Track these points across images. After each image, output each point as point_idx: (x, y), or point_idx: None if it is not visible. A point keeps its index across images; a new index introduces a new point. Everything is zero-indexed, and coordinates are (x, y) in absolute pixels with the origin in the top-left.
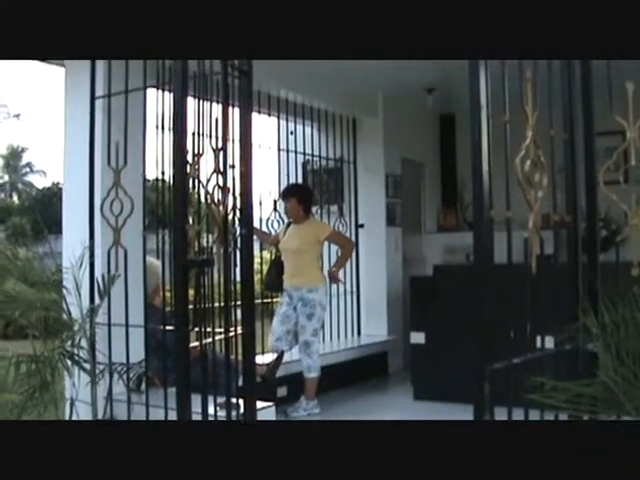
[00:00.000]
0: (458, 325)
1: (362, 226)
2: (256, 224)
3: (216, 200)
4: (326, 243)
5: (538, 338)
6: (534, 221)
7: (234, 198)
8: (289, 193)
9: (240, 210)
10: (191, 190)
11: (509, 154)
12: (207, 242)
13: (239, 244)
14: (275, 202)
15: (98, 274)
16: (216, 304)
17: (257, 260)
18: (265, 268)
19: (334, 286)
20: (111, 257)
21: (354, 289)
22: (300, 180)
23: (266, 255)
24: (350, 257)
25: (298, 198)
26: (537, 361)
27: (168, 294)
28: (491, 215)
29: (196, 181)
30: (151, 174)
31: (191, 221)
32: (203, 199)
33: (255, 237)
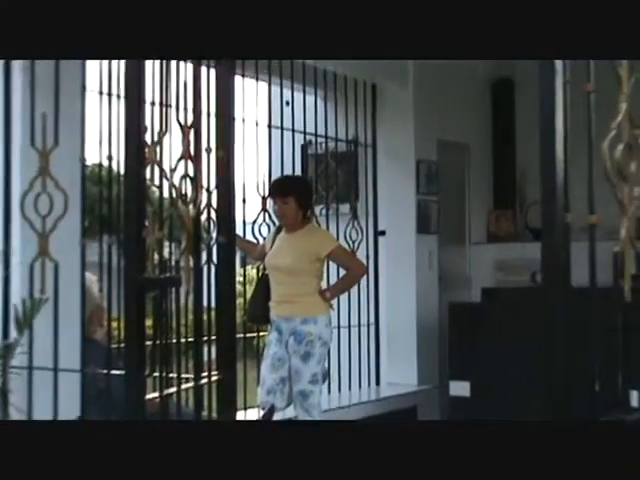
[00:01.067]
0: (517, 373)
1: (383, 233)
2: (239, 230)
3: (185, 196)
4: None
5: (634, 394)
6: (628, 228)
7: (209, 193)
8: (285, 191)
9: (217, 210)
10: (150, 182)
11: (593, 135)
12: (171, 254)
13: (215, 257)
14: (264, 199)
15: (16, 298)
16: (183, 339)
17: (239, 279)
18: (250, 289)
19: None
20: (35, 274)
21: (371, 320)
22: (298, 170)
23: (251, 272)
24: (355, 284)
25: (297, 199)
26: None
27: (115, 325)
28: (567, 219)
29: (157, 169)
30: (93, 159)
31: (149, 225)
32: (167, 194)
33: (237, 248)
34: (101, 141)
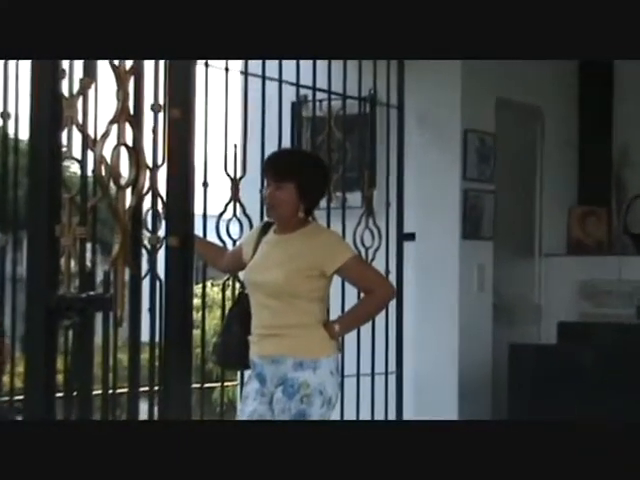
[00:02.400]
0: None
1: (411, 237)
2: (198, 228)
3: (118, 176)
4: (336, 278)
5: None
6: None
7: (154, 172)
8: (280, 170)
9: (166, 198)
10: (66, 154)
11: None
12: (97, 262)
13: (163, 267)
14: (236, 183)
15: None
16: (112, 390)
17: (197, 300)
18: (214, 317)
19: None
20: None
21: (391, 367)
22: (287, 139)
23: (213, 291)
24: (377, 314)
25: (299, 184)
26: None
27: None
28: None
29: (77, 135)
30: None
31: (65, 218)
32: (92, 173)
33: (196, 254)
34: None
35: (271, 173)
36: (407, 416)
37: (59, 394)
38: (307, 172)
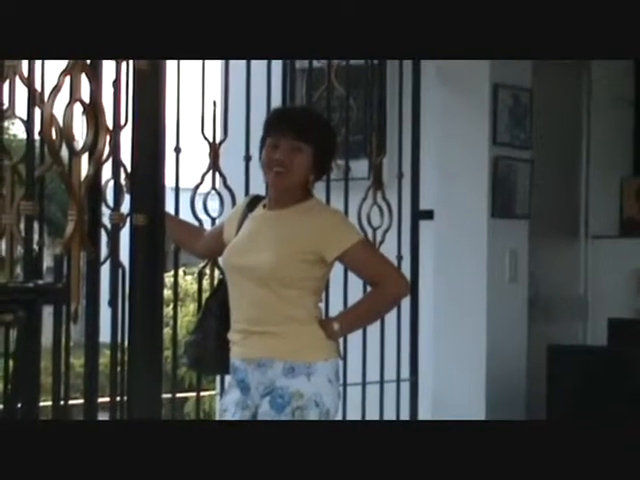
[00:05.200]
0: None
1: (429, 216)
2: (169, 204)
3: (72, 139)
4: (337, 267)
5: None
6: None
7: (115, 136)
8: (302, 130)
9: (131, 167)
10: (8, 114)
11: None
12: (43, 244)
13: (128, 251)
14: (215, 148)
15: None
16: (64, 401)
17: (167, 292)
18: (187, 313)
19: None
20: None
21: (404, 373)
22: (277, 96)
23: (186, 281)
24: (388, 311)
25: (316, 150)
26: None
27: None
28: None
29: (19, 84)
30: None
31: (6, 191)
32: (38, 135)
33: (167, 235)
34: None
35: (288, 130)
36: None
37: None
38: (324, 135)
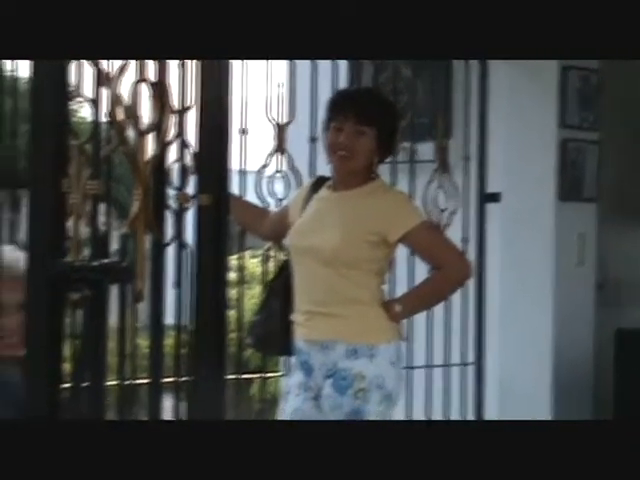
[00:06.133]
0: None
1: (495, 198)
2: (234, 185)
3: (138, 119)
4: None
5: None
6: None
7: (181, 117)
8: (365, 112)
9: (197, 148)
10: (76, 94)
11: None
12: (110, 224)
13: (192, 232)
14: (281, 129)
15: None
16: (129, 381)
17: (233, 274)
18: (252, 295)
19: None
20: None
21: (469, 357)
22: (343, 78)
23: (252, 263)
24: (451, 294)
25: (379, 132)
26: None
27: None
28: None
29: (88, 71)
30: None
31: (73, 171)
32: (105, 116)
33: (232, 216)
34: None
35: (351, 113)
36: (489, 416)
37: (65, 385)
38: (389, 117)
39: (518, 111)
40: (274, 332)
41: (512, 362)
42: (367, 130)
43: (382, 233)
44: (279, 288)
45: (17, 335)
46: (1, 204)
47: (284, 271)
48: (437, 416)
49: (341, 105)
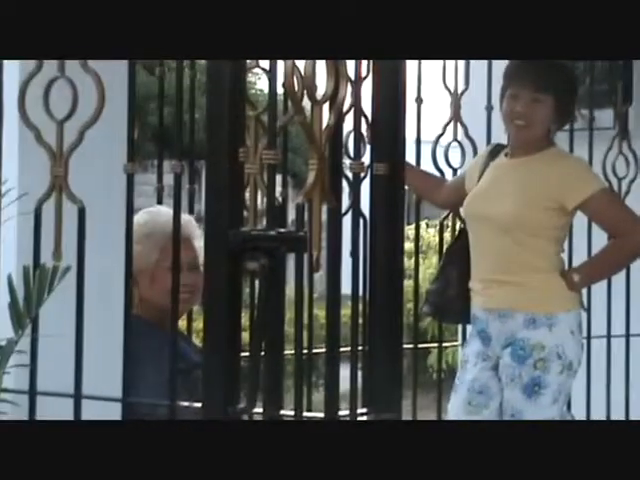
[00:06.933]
0: None
1: None
2: (410, 154)
3: (313, 89)
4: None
5: None
6: None
7: (356, 87)
8: (541, 79)
9: (372, 117)
10: (252, 65)
11: None
12: (287, 195)
13: (368, 202)
14: (457, 98)
15: (10, 265)
16: (307, 350)
17: (409, 244)
18: (429, 265)
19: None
20: (45, 223)
21: None
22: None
23: (428, 233)
24: (631, 262)
25: (557, 99)
26: None
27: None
28: None
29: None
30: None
31: (251, 141)
32: (281, 86)
33: (408, 186)
34: None
35: (527, 81)
36: None
37: (244, 354)
38: (566, 84)
39: None
40: (452, 300)
41: None
42: (544, 98)
43: (560, 200)
44: (456, 256)
45: (191, 291)
46: (180, 175)
47: (461, 239)
48: (618, 386)
49: (518, 72)
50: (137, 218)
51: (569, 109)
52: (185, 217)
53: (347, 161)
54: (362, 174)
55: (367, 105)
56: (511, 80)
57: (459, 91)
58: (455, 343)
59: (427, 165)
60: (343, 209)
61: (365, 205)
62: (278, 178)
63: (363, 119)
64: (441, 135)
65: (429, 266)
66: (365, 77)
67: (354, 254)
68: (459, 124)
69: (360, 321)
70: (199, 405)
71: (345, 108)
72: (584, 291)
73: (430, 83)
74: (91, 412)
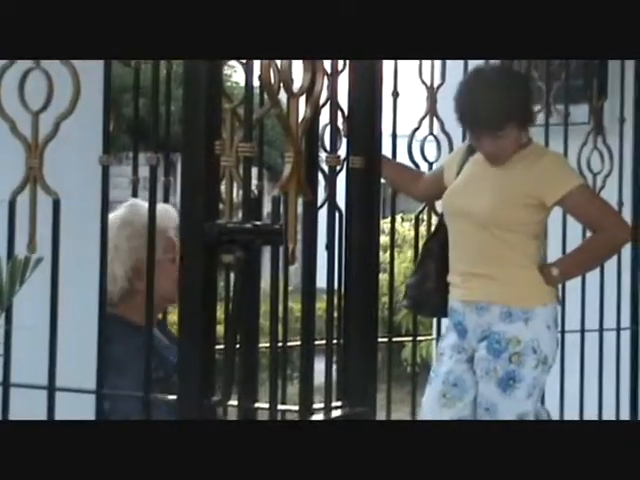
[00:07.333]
0: None
1: None
2: (386, 148)
3: (289, 80)
4: (555, 212)
5: None
6: None
7: (333, 79)
8: (495, 118)
9: (348, 110)
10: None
11: None
12: (262, 187)
13: (344, 195)
14: (432, 92)
15: None
16: (282, 343)
17: (384, 238)
18: (404, 259)
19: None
20: (20, 214)
21: (625, 322)
22: None
23: (403, 227)
24: (609, 257)
25: (520, 123)
26: None
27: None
28: None
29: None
30: None
31: (226, 134)
32: (257, 79)
33: (384, 178)
34: None
35: (485, 126)
36: None
37: (219, 346)
38: (519, 99)
39: None
40: (429, 293)
41: None
42: (505, 132)
43: (539, 196)
44: (434, 249)
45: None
46: (155, 167)
47: (440, 232)
48: (591, 380)
49: (472, 117)
50: (137, 210)
51: (529, 110)
52: (172, 211)
53: (323, 154)
54: (338, 167)
55: (343, 98)
56: (468, 124)
57: (435, 85)
58: (429, 337)
59: (403, 159)
60: (319, 202)
61: (341, 198)
62: (254, 171)
63: (339, 112)
64: (417, 129)
65: (404, 260)
66: (341, 70)
67: (330, 247)
68: (435, 118)
69: (335, 314)
70: (174, 397)
71: (321, 101)
72: (558, 285)
73: (406, 77)
74: (65, 405)
